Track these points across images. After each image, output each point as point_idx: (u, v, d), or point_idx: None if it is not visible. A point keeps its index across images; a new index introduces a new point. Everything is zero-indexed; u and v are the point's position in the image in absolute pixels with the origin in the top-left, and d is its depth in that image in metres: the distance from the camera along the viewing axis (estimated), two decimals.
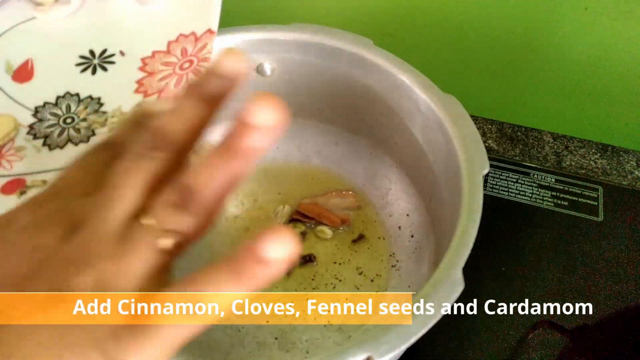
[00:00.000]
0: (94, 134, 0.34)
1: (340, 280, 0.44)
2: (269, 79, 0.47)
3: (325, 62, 0.45)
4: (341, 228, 0.47)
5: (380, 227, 0.47)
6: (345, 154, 0.50)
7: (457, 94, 0.40)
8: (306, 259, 0.45)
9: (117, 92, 0.35)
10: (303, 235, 0.47)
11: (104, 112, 0.34)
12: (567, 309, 0.44)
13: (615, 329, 0.43)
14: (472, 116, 0.39)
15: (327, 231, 0.47)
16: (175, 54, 0.36)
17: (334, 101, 0.47)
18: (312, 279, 0.44)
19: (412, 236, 0.45)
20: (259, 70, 0.46)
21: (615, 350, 0.42)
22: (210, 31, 0.35)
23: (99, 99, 0.35)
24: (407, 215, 0.46)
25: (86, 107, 0.34)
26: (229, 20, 0.51)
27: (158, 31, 0.37)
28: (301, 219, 0.48)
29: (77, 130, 0.33)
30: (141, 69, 0.36)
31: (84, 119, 0.34)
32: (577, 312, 0.44)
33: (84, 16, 0.38)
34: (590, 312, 0.44)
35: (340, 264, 0.45)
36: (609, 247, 0.48)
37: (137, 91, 0.35)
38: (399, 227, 0.46)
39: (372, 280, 0.44)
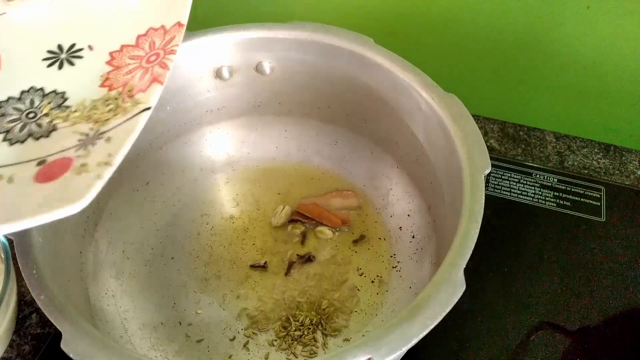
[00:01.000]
0: (55, 128, 0.33)
1: (340, 282, 0.44)
2: (268, 78, 0.47)
3: (325, 61, 0.44)
4: (341, 229, 0.47)
5: (380, 228, 0.47)
6: (346, 153, 0.50)
7: (459, 93, 0.40)
8: (305, 259, 0.45)
9: (82, 87, 0.35)
10: (303, 235, 0.47)
11: (67, 107, 0.34)
12: (570, 310, 0.44)
13: (618, 330, 0.43)
14: (473, 115, 0.39)
15: (327, 232, 0.47)
16: (143, 47, 0.35)
17: (334, 100, 0.47)
18: (312, 280, 0.44)
19: (413, 237, 0.45)
20: (259, 69, 0.46)
21: (618, 351, 0.42)
22: (179, 24, 0.35)
23: (63, 93, 0.34)
24: (408, 215, 0.46)
25: (50, 102, 0.34)
26: (229, 19, 0.50)
27: (129, 25, 0.36)
28: (301, 219, 0.47)
29: (39, 125, 0.33)
30: (108, 62, 0.35)
31: (47, 114, 0.33)
32: (579, 313, 0.43)
33: (55, 10, 0.37)
34: (593, 313, 0.43)
35: (340, 264, 0.45)
36: (612, 248, 0.47)
37: (102, 85, 0.34)
38: (400, 227, 0.46)
39: (372, 282, 0.44)
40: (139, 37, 0.36)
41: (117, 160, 0.28)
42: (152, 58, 0.34)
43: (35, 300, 0.31)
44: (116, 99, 0.32)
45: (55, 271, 0.34)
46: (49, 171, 0.29)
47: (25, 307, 0.44)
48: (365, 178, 0.49)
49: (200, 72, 0.45)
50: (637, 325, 0.43)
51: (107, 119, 0.31)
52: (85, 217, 0.42)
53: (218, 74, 0.46)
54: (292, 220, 0.47)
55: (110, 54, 0.36)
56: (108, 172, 0.28)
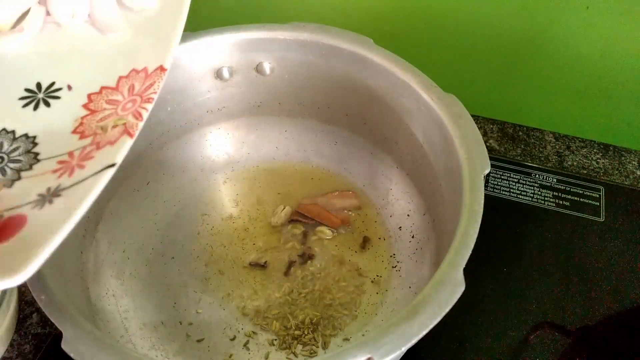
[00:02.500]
0: (19, 177, 0.30)
1: (340, 282, 0.44)
2: (268, 79, 0.47)
3: (325, 61, 0.44)
4: (341, 229, 0.47)
5: (380, 228, 0.47)
6: (345, 154, 0.50)
7: (458, 94, 0.40)
8: (305, 259, 0.45)
9: (54, 132, 0.32)
10: (303, 235, 0.47)
11: (36, 154, 0.31)
12: (569, 309, 0.44)
13: (617, 329, 0.43)
14: (473, 116, 0.39)
15: (327, 232, 0.47)
16: (122, 91, 0.33)
17: (334, 100, 0.47)
18: (312, 280, 0.44)
19: (412, 237, 0.45)
20: (259, 69, 0.46)
21: (617, 351, 0.42)
22: (161, 68, 0.33)
23: (34, 138, 0.32)
24: (408, 215, 0.46)
25: (18, 147, 0.31)
26: (229, 19, 0.50)
27: (112, 64, 0.34)
28: (301, 219, 0.48)
29: (3, 172, 0.30)
30: (84, 106, 0.33)
31: (15, 160, 0.30)
32: (578, 313, 0.43)
33: (38, 45, 0.35)
34: (592, 312, 0.44)
35: (340, 264, 0.45)
36: (611, 248, 0.47)
37: (74, 131, 0.32)
38: (400, 227, 0.46)
39: (372, 281, 0.44)
40: (120, 78, 0.33)
41: (65, 230, 0.25)
42: (129, 105, 0.32)
43: (36, 300, 0.31)
44: (84, 149, 0.30)
45: (56, 271, 0.34)
46: (2, 229, 0.26)
47: (26, 306, 0.44)
48: (365, 178, 0.49)
49: (200, 72, 0.46)
50: (636, 325, 0.43)
51: (71, 172, 0.28)
52: (86, 217, 0.42)
53: (218, 75, 0.46)
54: (292, 220, 0.48)
55: (89, 96, 0.33)
56: (54, 244, 0.24)
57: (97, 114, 0.32)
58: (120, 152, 0.29)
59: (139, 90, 0.32)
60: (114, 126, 0.31)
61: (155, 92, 0.32)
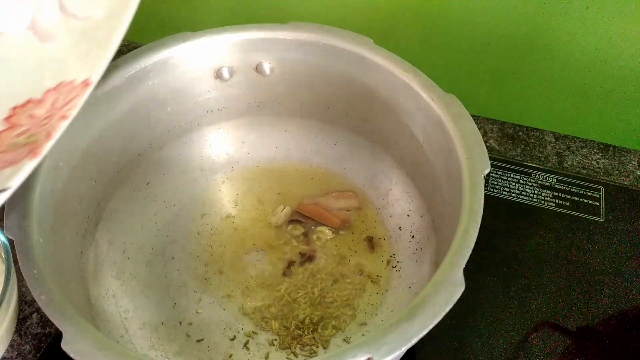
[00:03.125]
0: None
1: (340, 282, 0.44)
2: (268, 79, 0.47)
3: (325, 61, 0.44)
4: (341, 229, 0.47)
5: (380, 228, 0.47)
6: (345, 154, 0.50)
7: (458, 93, 0.40)
8: (305, 259, 0.45)
9: None
10: (303, 235, 0.47)
11: None
12: (569, 309, 0.44)
13: (617, 329, 0.43)
14: (473, 116, 0.39)
15: (327, 232, 0.47)
16: (46, 104, 0.30)
17: (334, 101, 0.47)
18: (312, 280, 0.44)
19: (412, 237, 0.45)
20: (259, 69, 0.46)
21: (617, 351, 0.42)
22: (86, 82, 0.29)
23: None
24: (408, 215, 0.46)
25: None
26: (229, 19, 0.50)
27: (42, 75, 0.32)
28: (301, 219, 0.48)
29: None
30: (6, 119, 0.30)
31: None
32: (579, 313, 0.43)
33: None
34: (592, 313, 0.44)
35: (340, 264, 0.45)
36: (611, 248, 0.47)
37: None
38: (400, 227, 0.46)
39: (372, 281, 0.44)
40: (47, 91, 0.31)
41: None
42: (45, 122, 0.29)
43: (36, 300, 0.31)
44: None
45: (56, 271, 0.34)
46: None
47: (26, 307, 0.44)
48: (365, 178, 0.49)
49: (200, 72, 0.46)
50: (636, 325, 0.43)
51: None
52: (86, 217, 0.42)
53: (218, 75, 0.46)
54: (292, 221, 0.48)
55: (13, 109, 0.31)
56: None
57: (15, 129, 0.30)
58: (19, 175, 0.26)
59: (60, 104, 0.30)
60: (25, 144, 0.28)
61: (73, 108, 0.29)
